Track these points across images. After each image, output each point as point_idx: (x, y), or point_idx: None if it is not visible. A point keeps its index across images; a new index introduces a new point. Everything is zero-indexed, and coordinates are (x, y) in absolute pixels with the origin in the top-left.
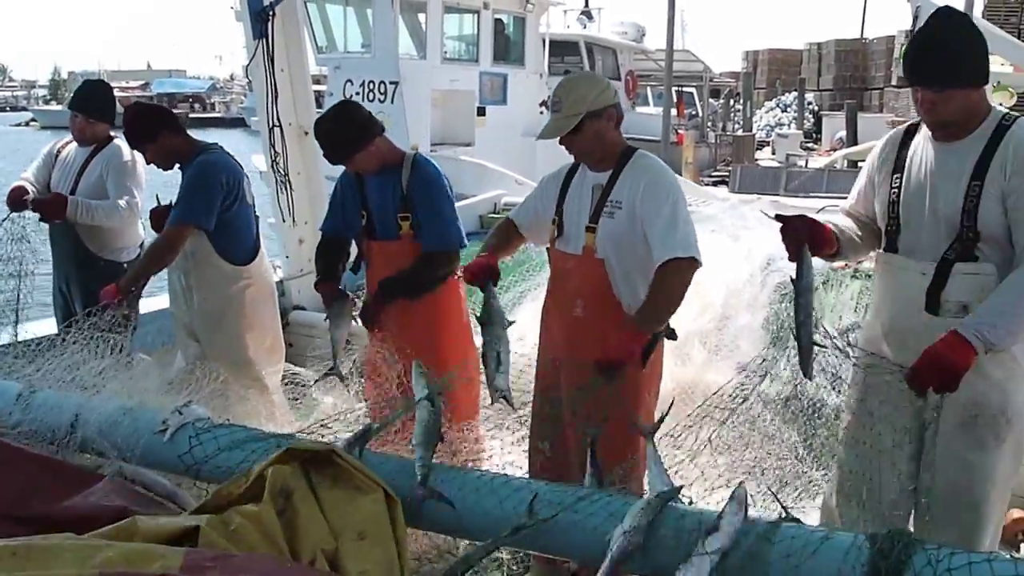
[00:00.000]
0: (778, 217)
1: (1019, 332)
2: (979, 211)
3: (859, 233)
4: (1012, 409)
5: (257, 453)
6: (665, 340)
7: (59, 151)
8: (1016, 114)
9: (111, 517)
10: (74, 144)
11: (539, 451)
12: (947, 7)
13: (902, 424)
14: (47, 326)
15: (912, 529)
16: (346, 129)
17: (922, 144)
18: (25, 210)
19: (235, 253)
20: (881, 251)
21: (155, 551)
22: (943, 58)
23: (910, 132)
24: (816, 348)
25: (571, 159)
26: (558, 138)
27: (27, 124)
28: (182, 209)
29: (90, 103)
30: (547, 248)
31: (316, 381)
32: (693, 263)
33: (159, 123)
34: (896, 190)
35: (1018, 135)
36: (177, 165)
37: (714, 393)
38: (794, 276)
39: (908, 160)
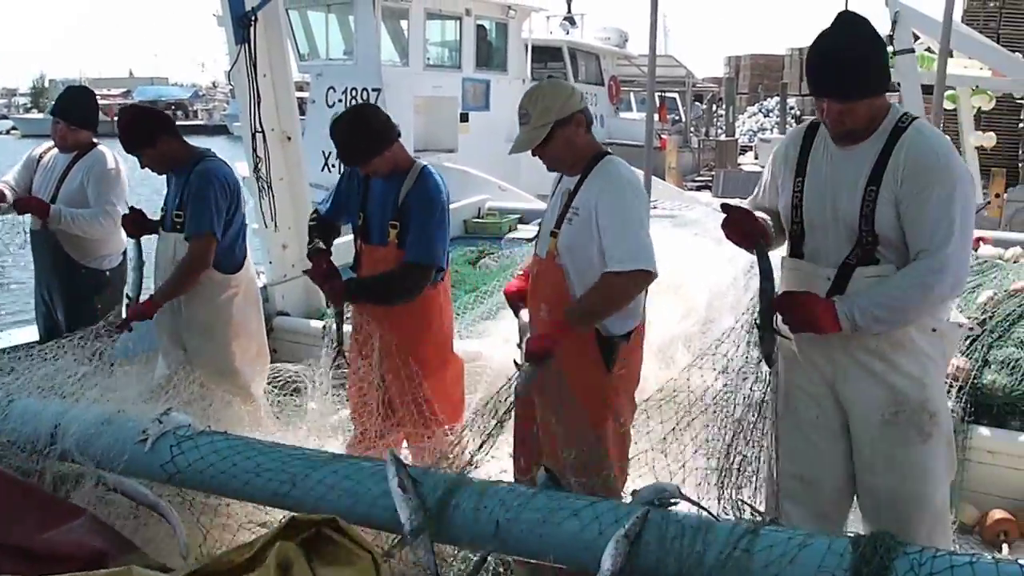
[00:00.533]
0: (723, 207)
1: (888, 323)
2: (876, 215)
3: (772, 224)
4: (933, 404)
5: (242, 460)
6: (647, 343)
7: (41, 156)
8: (913, 115)
9: (88, 559)
10: (55, 150)
11: (522, 447)
12: (848, 11)
13: (825, 424)
14: (28, 333)
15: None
16: (362, 134)
17: (823, 146)
18: (5, 215)
19: (227, 262)
20: (786, 256)
21: None
22: (848, 71)
23: (812, 130)
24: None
25: (546, 179)
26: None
27: (8, 132)
28: (201, 220)
29: (72, 110)
30: None
31: (333, 362)
32: (641, 275)
33: (158, 127)
34: (798, 194)
35: (911, 139)
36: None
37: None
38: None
39: (809, 163)
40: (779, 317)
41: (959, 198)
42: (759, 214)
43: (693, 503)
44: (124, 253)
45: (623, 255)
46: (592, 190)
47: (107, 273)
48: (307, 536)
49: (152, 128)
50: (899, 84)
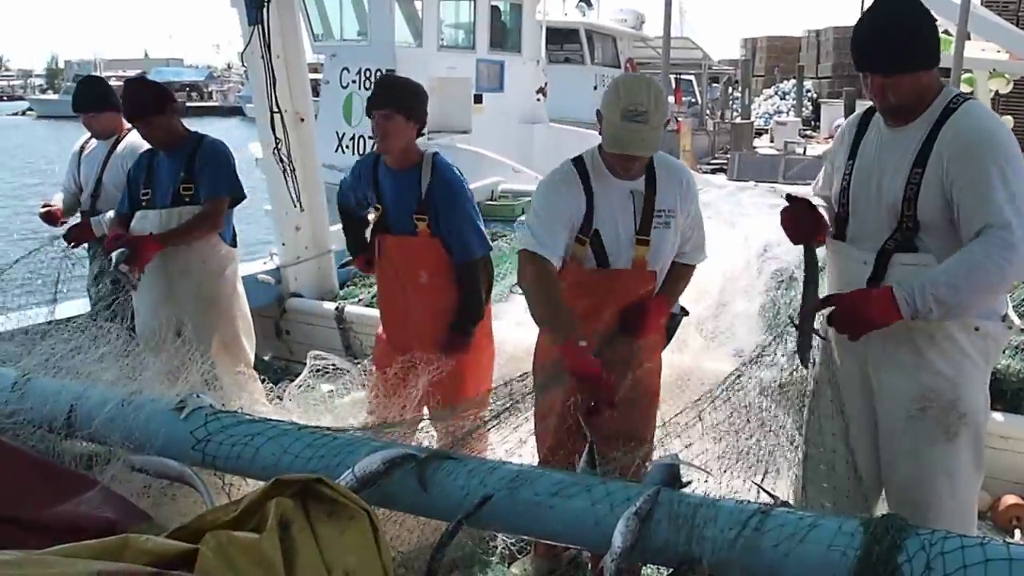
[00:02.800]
0: (788, 197)
1: (950, 306)
2: (919, 199)
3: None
4: (965, 404)
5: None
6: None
7: (83, 148)
8: (967, 95)
9: (97, 530)
10: (95, 139)
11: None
12: None
13: (856, 414)
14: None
15: None
16: (414, 86)
17: (875, 129)
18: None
19: (229, 235)
20: (830, 238)
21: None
22: (893, 42)
23: (868, 115)
24: (815, 338)
25: (560, 160)
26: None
27: (23, 113)
28: (218, 184)
29: (88, 99)
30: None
31: None
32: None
33: (166, 98)
34: (847, 176)
35: (959, 120)
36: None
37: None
38: (801, 268)
39: (861, 145)
40: (824, 318)
41: (1018, 172)
42: (818, 202)
43: (699, 469)
44: None
45: (699, 251)
46: (671, 192)
47: None
48: (298, 491)
49: (159, 98)
50: None
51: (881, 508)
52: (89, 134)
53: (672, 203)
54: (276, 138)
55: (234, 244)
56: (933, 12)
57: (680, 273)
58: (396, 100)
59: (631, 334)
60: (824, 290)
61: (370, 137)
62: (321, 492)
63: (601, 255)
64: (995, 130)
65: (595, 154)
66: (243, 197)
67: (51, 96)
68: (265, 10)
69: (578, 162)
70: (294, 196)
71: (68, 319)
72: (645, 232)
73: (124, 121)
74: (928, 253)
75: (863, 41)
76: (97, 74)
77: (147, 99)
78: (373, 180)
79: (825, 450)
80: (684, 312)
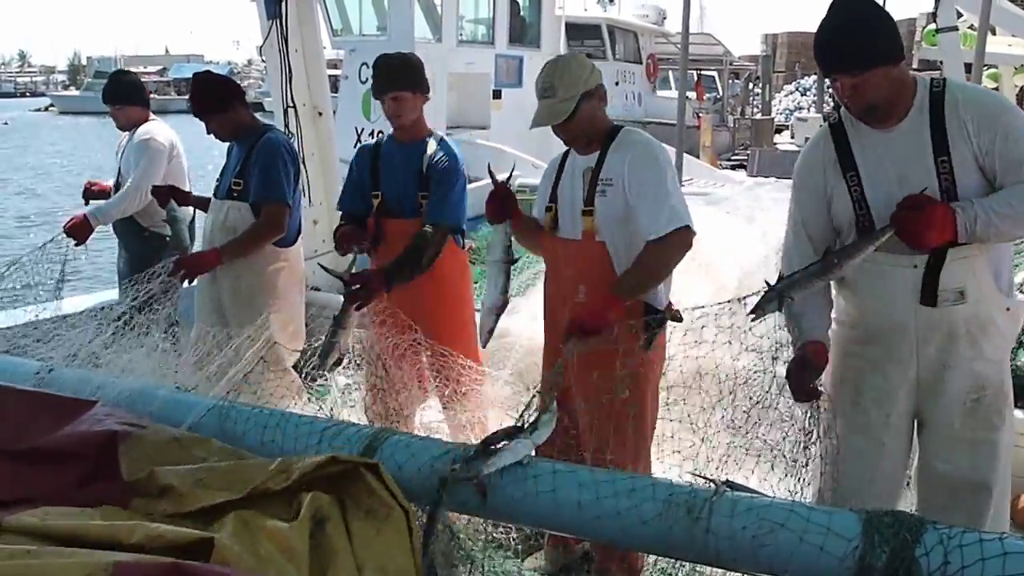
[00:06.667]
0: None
1: (1003, 232)
2: (959, 186)
3: (826, 310)
4: (1008, 385)
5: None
6: (673, 324)
7: (122, 141)
8: (941, 78)
9: (101, 442)
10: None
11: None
12: None
13: (896, 423)
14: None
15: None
16: (410, 58)
17: (861, 136)
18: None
19: (289, 235)
20: None
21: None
22: (853, 41)
23: (837, 130)
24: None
25: (535, 154)
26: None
27: (46, 109)
28: (275, 188)
29: (115, 92)
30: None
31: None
32: (682, 234)
33: (232, 94)
34: (857, 187)
35: (956, 96)
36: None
37: None
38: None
39: (856, 156)
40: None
41: None
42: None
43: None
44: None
45: (661, 221)
46: (617, 161)
47: (167, 238)
48: (343, 472)
49: (225, 94)
50: (941, 63)
51: (902, 504)
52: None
53: (614, 172)
54: (290, 133)
55: (291, 243)
56: (959, 7)
57: (641, 258)
58: (401, 80)
59: (583, 334)
60: (852, 305)
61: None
62: (368, 481)
63: (556, 221)
64: (994, 93)
65: None
66: (287, 199)
67: (73, 92)
68: (283, 5)
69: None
70: (303, 191)
71: (102, 308)
72: (589, 203)
73: (150, 115)
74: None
75: (824, 45)
76: (111, 71)
77: (209, 99)
78: (372, 167)
79: (856, 461)
80: (673, 316)
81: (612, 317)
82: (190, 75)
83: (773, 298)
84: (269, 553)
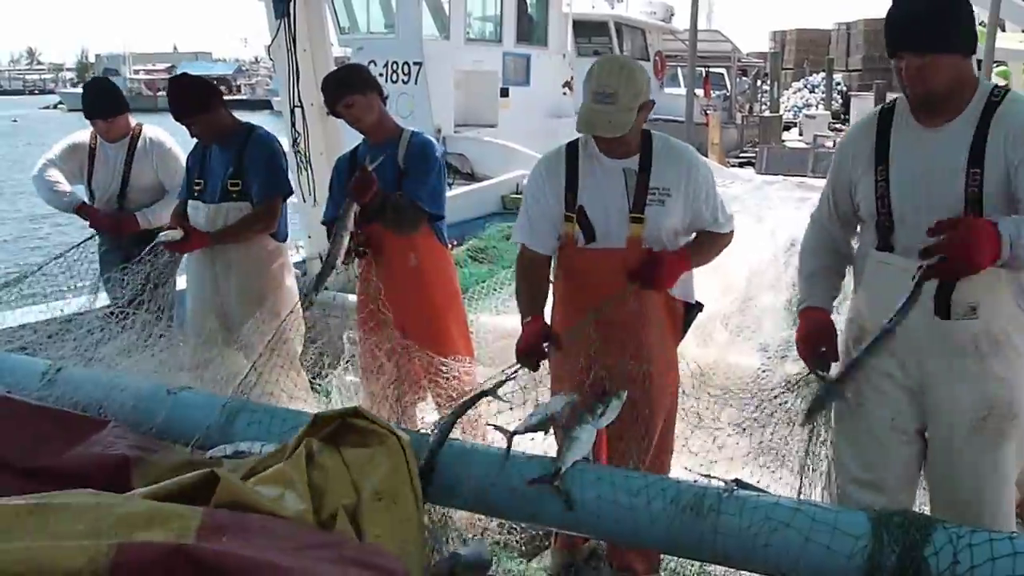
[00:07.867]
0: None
1: None
2: (984, 200)
3: (835, 278)
4: (1018, 405)
5: None
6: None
7: (92, 148)
8: (1004, 87)
9: (113, 466)
10: (97, 141)
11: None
12: None
13: (900, 426)
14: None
15: None
16: (350, 67)
17: (906, 129)
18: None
19: (281, 230)
20: (874, 249)
21: (172, 510)
22: (930, 20)
23: (884, 118)
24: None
25: (542, 152)
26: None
27: (55, 107)
28: (270, 183)
29: (97, 106)
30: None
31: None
32: (732, 236)
33: (212, 95)
34: (883, 183)
35: (1008, 109)
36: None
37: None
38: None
39: (892, 149)
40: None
41: None
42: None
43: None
44: None
45: (725, 219)
46: (672, 168)
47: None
48: (333, 430)
49: (206, 95)
50: None
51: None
52: (86, 134)
53: (669, 181)
54: (296, 132)
55: (286, 238)
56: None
57: (707, 239)
58: (347, 86)
59: (645, 286)
60: (863, 305)
61: None
62: (356, 424)
63: (589, 231)
64: None
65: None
66: (290, 192)
67: (81, 90)
68: (292, 4)
69: (572, 143)
70: (307, 190)
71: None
72: (639, 210)
73: (131, 120)
74: None
75: (898, 19)
76: (120, 69)
77: (191, 100)
78: (350, 170)
79: (860, 462)
80: (699, 306)
81: (678, 277)
82: (198, 72)
83: (825, 400)
84: (267, 487)
